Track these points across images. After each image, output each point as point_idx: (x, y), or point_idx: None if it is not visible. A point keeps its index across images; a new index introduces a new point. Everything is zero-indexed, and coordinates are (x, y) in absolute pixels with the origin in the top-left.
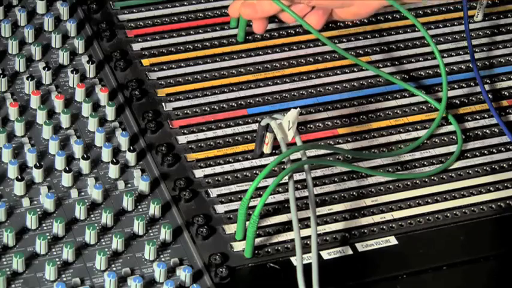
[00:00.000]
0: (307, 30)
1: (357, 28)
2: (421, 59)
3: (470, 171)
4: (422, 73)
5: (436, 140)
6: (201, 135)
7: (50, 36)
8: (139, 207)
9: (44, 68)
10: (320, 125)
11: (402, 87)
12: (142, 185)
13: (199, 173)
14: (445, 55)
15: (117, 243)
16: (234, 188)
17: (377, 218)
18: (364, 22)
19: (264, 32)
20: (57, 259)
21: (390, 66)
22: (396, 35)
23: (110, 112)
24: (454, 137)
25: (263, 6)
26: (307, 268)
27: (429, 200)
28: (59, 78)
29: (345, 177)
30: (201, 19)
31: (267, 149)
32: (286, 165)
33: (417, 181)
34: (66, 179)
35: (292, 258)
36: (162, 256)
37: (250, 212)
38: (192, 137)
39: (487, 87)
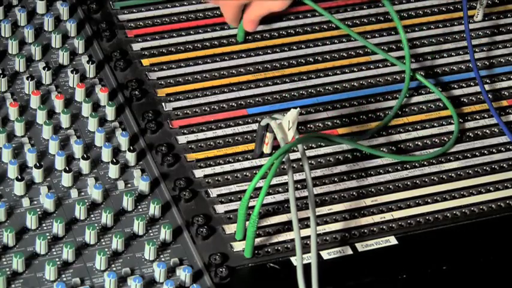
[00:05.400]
0: (306, 30)
1: (356, 28)
2: (421, 59)
3: (470, 171)
4: (422, 73)
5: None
6: (201, 135)
7: (50, 36)
8: (139, 207)
9: (44, 68)
10: (320, 125)
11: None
12: (142, 185)
13: (199, 173)
14: (445, 55)
15: (117, 243)
16: (234, 188)
17: (377, 218)
18: (364, 22)
19: (264, 32)
20: (57, 259)
21: (390, 67)
22: (396, 35)
23: (110, 112)
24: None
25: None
26: (307, 268)
27: (429, 200)
28: (59, 78)
29: (345, 177)
30: (201, 19)
31: (267, 149)
32: (286, 164)
33: (417, 181)
34: (66, 179)
35: (292, 258)
36: (162, 256)
37: (250, 212)
38: (192, 137)
39: (487, 87)
